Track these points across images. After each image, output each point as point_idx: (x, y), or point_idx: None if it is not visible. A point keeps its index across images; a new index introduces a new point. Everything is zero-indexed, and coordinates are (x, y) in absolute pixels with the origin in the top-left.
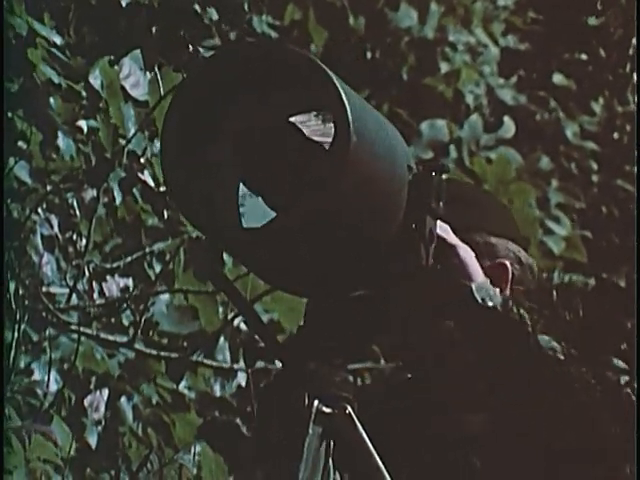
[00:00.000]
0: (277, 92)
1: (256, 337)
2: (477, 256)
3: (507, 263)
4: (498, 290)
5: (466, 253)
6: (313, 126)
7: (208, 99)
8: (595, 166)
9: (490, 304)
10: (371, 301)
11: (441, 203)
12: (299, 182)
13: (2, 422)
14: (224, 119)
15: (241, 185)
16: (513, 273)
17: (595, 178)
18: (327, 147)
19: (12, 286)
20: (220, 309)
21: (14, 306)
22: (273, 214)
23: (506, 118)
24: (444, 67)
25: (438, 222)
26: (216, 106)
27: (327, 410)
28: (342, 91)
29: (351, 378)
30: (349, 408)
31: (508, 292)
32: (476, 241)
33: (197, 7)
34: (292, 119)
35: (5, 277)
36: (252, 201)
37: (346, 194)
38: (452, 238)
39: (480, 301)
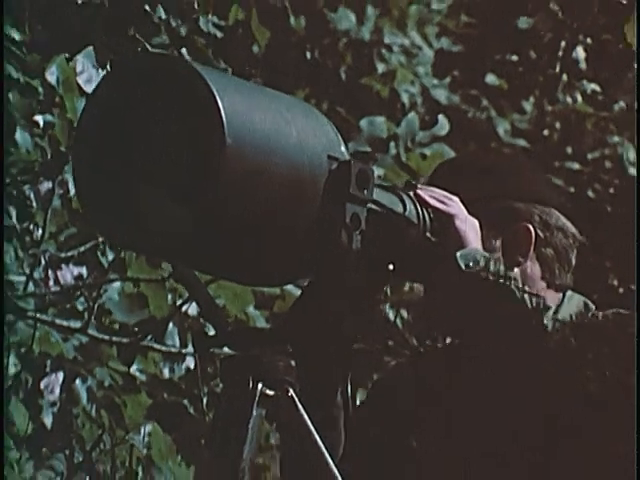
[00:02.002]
0: (163, 100)
1: (207, 324)
2: (497, 222)
3: (530, 226)
4: (498, 256)
5: (463, 223)
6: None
7: (110, 111)
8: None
9: (477, 269)
10: (307, 288)
11: (367, 190)
12: (187, 183)
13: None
14: (124, 129)
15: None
16: (538, 235)
17: None
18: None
19: None
20: (169, 296)
21: None
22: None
23: (440, 116)
24: (380, 67)
25: (444, 193)
26: (117, 118)
27: (270, 393)
28: (218, 97)
29: (293, 363)
30: (291, 391)
31: (531, 253)
32: (496, 208)
33: (147, 6)
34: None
35: None
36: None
37: (231, 189)
38: (452, 209)
39: (464, 267)
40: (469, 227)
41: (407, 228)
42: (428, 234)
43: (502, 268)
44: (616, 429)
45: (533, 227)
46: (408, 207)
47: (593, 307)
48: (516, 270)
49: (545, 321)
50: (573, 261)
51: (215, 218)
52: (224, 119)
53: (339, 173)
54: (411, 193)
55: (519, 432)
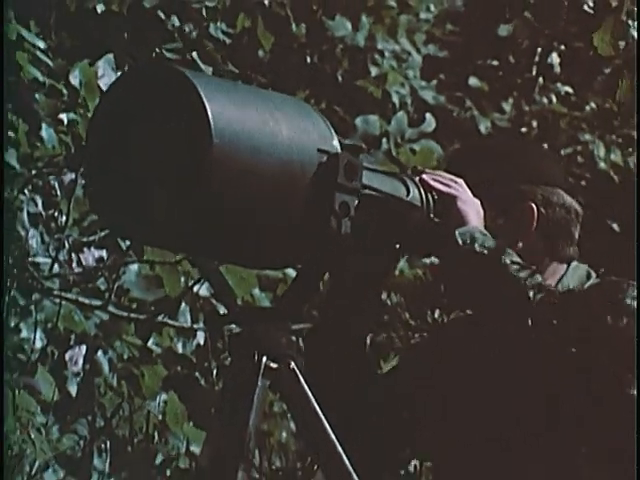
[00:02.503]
0: (160, 104)
1: (218, 303)
2: (502, 202)
3: (533, 205)
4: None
5: (464, 204)
6: None
7: (115, 117)
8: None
9: (475, 246)
10: (302, 270)
11: (355, 180)
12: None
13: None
14: (128, 132)
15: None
16: (540, 213)
17: None
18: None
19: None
20: (182, 278)
21: (4, 275)
22: None
23: (428, 115)
24: (374, 71)
25: (450, 177)
26: (121, 122)
27: (274, 366)
28: (206, 100)
29: (294, 338)
30: (292, 364)
31: (534, 229)
32: (501, 189)
33: (161, 15)
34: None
35: None
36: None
37: (222, 184)
38: (455, 191)
39: (461, 244)
40: (470, 208)
41: (410, 211)
42: (432, 216)
43: (498, 244)
44: (612, 404)
45: (536, 206)
46: (412, 191)
47: (594, 275)
48: (520, 245)
49: (531, 293)
50: (576, 235)
51: (209, 211)
52: (211, 121)
53: (328, 165)
54: (416, 178)
55: (515, 405)
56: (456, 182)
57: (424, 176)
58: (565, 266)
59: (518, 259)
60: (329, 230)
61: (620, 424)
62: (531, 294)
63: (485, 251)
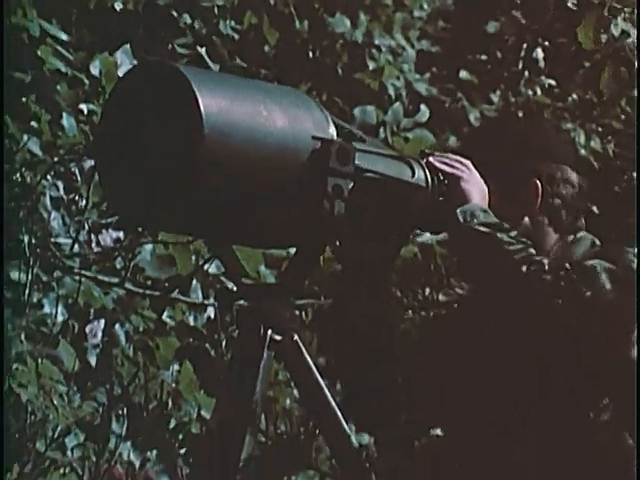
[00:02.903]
0: (160, 98)
1: (228, 280)
2: (509, 180)
3: (537, 182)
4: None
5: (468, 183)
6: None
7: (120, 113)
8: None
9: (474, 223)
10: (299, 250)
11: (347, 164)
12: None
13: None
14: (134, 126)
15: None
16: (545, 189)
17: None
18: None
19: (26, 238)
20: (193, 257)
21: (28, 253)
22: None
23: (422, 106)
24: (371, 65)
25: (457, 158)
26: (127, 117)
27: (278, 338)
28: (198, 94)
29: (297, 312)
30: (296, 336)
31: (538, 205)
32: (507, 169)
33: (174, 13)
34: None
35: (20, 231)
36: None
37: (217, 172)
38: (459, 172)
39: (462, 221)
40: (474, 187)
41: (415, 191)
42: (437, 195)
43: (497, 221)
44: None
45: (540, 182)
46: (417, 173)
47: (598, 243)
48: (526, 220)
49: (524, 268)
50: (581, 207)
51: (206, 198)
52: (203, 112)
53: (321, 150)
54: (423, 161)
55: (508, 377)
56: (462, 163)
57: (431, 159)
58: (572, 237)
59: (515, 234)
60: (323, 211)
61: (614, 394)
62: (524, 268)
63: (483, 227)
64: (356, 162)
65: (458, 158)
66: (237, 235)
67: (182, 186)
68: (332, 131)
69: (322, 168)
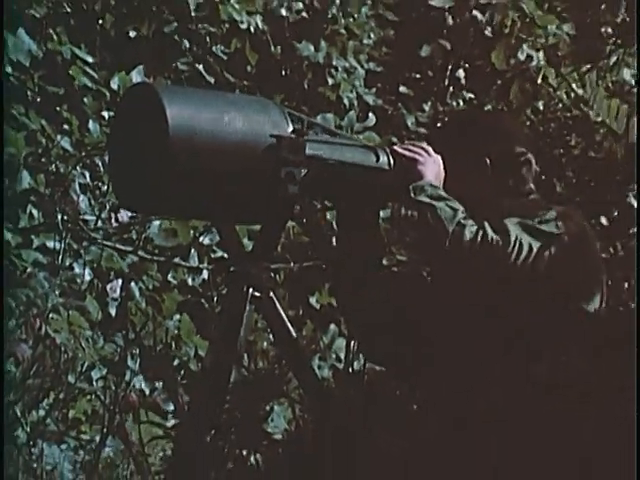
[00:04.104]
0: (141, 109)
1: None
2: (465, 160)
3: (486, 159)
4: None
5: (423, 165)
6: None
7: (120, 122)
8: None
9: (422, 197)
10: (264, 226)
11: (300, 155)
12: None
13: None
14: (125, 132)
15: None
16: (494, 165)
17: None
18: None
19: (59, 216)
20: (191, 231)
21: (61, 227)
22: None
23: (370, 114)
24: (330, 81)
25: (419, 144)
26: (124, 125)
27: (257, 294)
28: (166, 105)
29: (272, 275)
30: (271, 293)
31: (488, 177)
32: (464, 151)
33: (177, 38)
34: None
35: (55, 210)
36: None
37: (183, 167)
38: (416, 155)
39: (413, 195)
40: (428, 168)
41: (378, 173)
42: (398, 175)
43: (441, 194)
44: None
45: (489, 159)
46: (381, 159)
47: (544, 204)
48: (481, 192)
49: (450, 228)
50: (529, 177)
51: (177, 190)
52: (169, 120)
53: (275, 145)
54: (387, 148)
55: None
56: (422, 148)
57: (394, 147)
58: (523, 200)
59: (452, 203)
60: (279, 194)
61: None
62: (450, 229)
63: (427, 199)
64: (307, 152)
65: (419, 144)
66: (210, 214)
67: (154, 177)
68: (289, 129)
69: (275, 159)
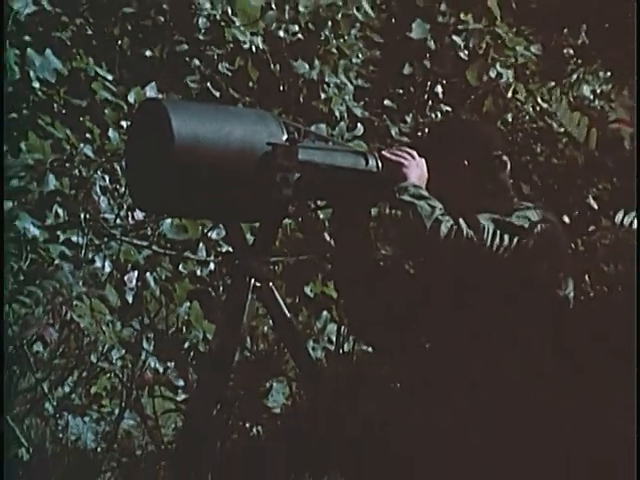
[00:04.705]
0: (152, 122)
1: (226, 244)
2: (445, 164)
3: (465, 162)
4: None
5: (408, 168)
6: None
7: (135, 133)
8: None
9: (404, 196)
10: (262, 224)
11: (293, 161)
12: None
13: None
14: (138, 142)
15: None
16: (472, 167)
17: None
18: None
19: (82, 214)
20: (200, 227)
21: (84, 224)
22: None
23: (359, 124)
24: (322, 95)
25: (405, 149)
26: (136, 136)
27: (258, 285)
28: (173, 116)
29: (271, 267)
30: (270, 283)
31: (466, 179)
32: (445, 156)
33: (187, 58)
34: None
35: (78, 209)
36: None
37: (187, 173)
38: (401, 159)
39: (397, 195)
40: (412, 171)
41: (369, 177)
42: (385, 178)
43: (422, 193)
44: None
45: (468, 162)
46: (370, 163)
47: (516, 200)
48: (459, 191)
49: (428, 224)
50: (503, 177)
51: (184, 193)
52: (174, 131)
53: (270, 152)
54: (376, 153)
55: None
56: (408, 153)
57: (383, 152)
58: (499, 198)
59: (435, 202)
60: (275, 196)
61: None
62: (428, 225)
63: (409, 198)
64: (301, 158)
65: (405, 149)
66: (212, 213)
67: (163, 181)
68: (284, 138)
69: (271, 165)
